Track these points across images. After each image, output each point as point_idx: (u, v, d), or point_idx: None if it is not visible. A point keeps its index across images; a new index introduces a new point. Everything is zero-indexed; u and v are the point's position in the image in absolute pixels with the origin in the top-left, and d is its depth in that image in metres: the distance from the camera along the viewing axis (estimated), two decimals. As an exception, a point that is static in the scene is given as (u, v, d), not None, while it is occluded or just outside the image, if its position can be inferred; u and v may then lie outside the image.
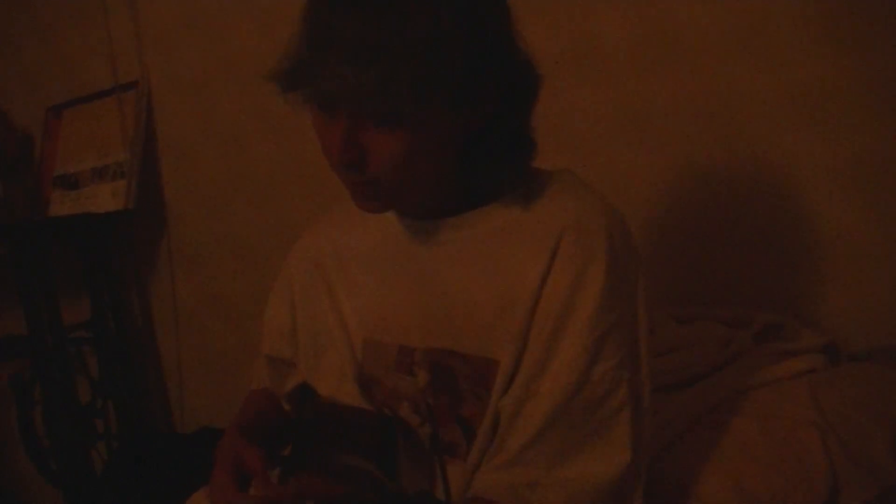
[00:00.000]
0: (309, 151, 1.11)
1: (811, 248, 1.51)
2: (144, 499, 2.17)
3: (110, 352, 2.53)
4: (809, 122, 1.47)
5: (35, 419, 2.54)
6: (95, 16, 2.50)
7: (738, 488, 1.13)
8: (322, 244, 1.24)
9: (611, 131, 1.68)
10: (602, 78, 1.68)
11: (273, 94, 0.98)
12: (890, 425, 1.21)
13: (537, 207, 1.04)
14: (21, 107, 2.78)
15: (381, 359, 1.12)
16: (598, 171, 1.67)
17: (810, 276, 1.52)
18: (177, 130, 2.45)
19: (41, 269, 2.32)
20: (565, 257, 0.98)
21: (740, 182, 1.56)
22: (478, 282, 1.04)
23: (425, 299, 1.08)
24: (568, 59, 1.69)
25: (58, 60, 2.69)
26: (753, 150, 1.54)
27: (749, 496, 1.12)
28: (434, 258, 1.08)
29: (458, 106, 0.95)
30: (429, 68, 0.89)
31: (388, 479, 0.99)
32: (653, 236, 1.63)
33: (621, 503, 0.99)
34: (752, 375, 1.35)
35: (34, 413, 2.54)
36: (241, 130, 2.30)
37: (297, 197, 2.21)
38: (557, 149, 1.71)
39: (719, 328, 1.49)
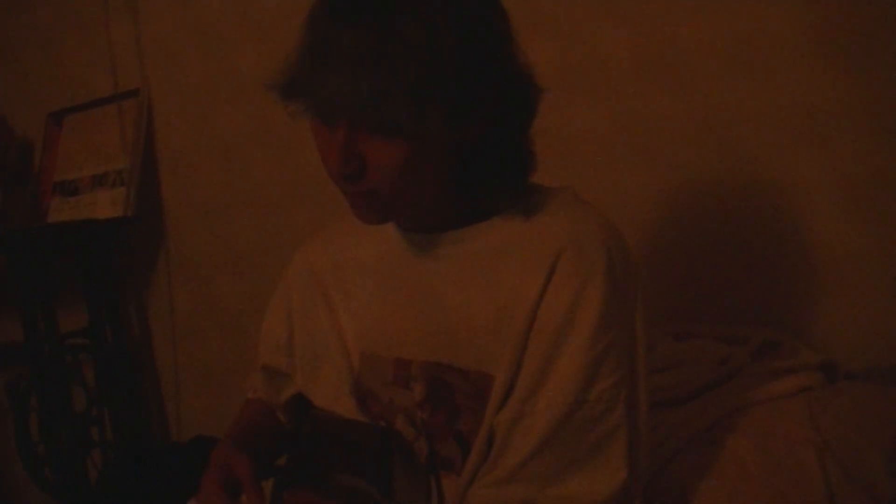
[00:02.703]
0: (308, 162, 1.12)
1: (809, 266, 1.51)
2: (139, 508, 2.16)
3: (107, 360, 2.52)
4: (808, 139, 1.48)
5: (31, 427, 2.53)
6: (97, 24, 2.50)
7: (734, 507, 1.13)
8: (321, 257, 1.24)
9: (609, 147, 1.68)
10: (601, 94, 1.68)
11: (273, 104, 0.98)
12: (887, 444, 1.20)
13: (537, 224, 1.03)
14: (21, 113, 2.78)
15: (378, 372, 1.12)
16: (596, 186, 1.66)
17: (808, 294, 1.52)
18: (176, 139, 2.45)
19: (39, 275, 2.32)
20: (564, 275, 0.98)
21: (738, 198, 1.56)
22: (476, 296, 1.03)
23: (423, 313, 1.08)
24: (567, 75, 1.70)
25: (58, 67, 2.69)
26: (752, 166, 1.54)
27: (746, 515, 1.12)
28: (433, 272, 1.08)
29: (457, 116, 0.94)
30: (426, 77, 0.89)
31: (383, 498, 0.98)
32: (650, 253, 1.63)
33: None
34: (750, 393, 1.35)
35: (30, 421, 2.53)
36: (241, 140, 2.30)
37: (296, 207, 2.21)
38: (555, 164, 1.72)
39: (717, 345, 1.48)
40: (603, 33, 1.66)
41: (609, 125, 1.68)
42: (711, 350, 1.46)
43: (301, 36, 0.96)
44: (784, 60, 1.48)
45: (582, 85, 1.69)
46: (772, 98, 1.50)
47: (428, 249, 1.09)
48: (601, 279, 0.97)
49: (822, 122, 1.46)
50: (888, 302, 1.45)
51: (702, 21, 1.55)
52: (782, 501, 1.13)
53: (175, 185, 2.48)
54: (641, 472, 1.01)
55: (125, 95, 2.48)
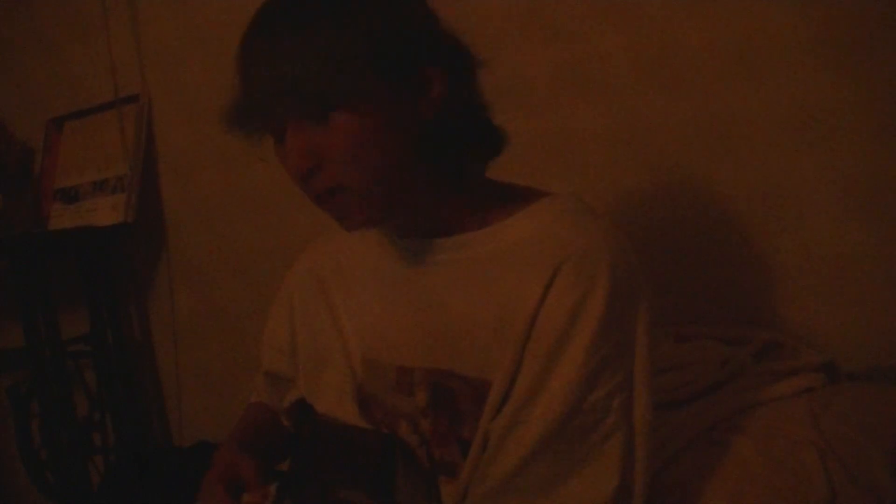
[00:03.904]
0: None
1: (810, 267, 1.51)
2: (141, 513, 2.16)
3: (108, 365, 2.52)
4: (808, 139, 1.48)
5: (32, 432, 2.53)
6: (97, 29, 2.50)
7: (736, 508, 1.12)
8: (323, 262, 1.23)
9: (609, 147, 1.68)
10: (601, 94, 1.68)
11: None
12: (889, 444, 1.20)
13: (540, 231, 1.02)
14: (22, 119, 2.78)
15: (380, 378, 1.11)
16: (596, 186, 1.67)
17: (809, 295, 1.52)
18: (177, 144, 2.45)
19: (40, 281, 2.32)
20: (565, 285, 0.96)
21: (739, 200, 1.56)
22: (477, 303, 1.02)
23: (425, 319, 1.07)
24: (567, 76, 1.70)
25: (59, 73, 2.69)
26: (752, 166, 1.54)
27: (748, 516, 1.12)
28: (434, 278, 1.07)
29: (393, 85, 0.95)
30: (339, 51, 0.91)
31: None
32: (650, 253, 1.63)
33: None
34: (751, 394, 1.34)
35: (32, 426, 2.53)
36: (241, 145, 2.29)
37: (297, 212, 2.21)
38: (555, 164, 1.72)
39: (718, 346, 1.48)
40: (603, 34, 1.66)
41: (609, 125, 1.68)
42: (713, 351, 1.46)
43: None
44: (784, 60, 1.48)
45: (582, 85, 1.69)
46: (772, 98, 1.50)
47: (429, 255, 1.08)
48: (603, 291, 0.95)
49: (822, 122, 1.46)
50: (888, 302, 1.45)
51: (701, 22, 1.55)
52: (784, 502, 1.13)
53: (176, 189, 2.48)
54: (642, 477, 0.99)
55: (125, 101, 2.48)
